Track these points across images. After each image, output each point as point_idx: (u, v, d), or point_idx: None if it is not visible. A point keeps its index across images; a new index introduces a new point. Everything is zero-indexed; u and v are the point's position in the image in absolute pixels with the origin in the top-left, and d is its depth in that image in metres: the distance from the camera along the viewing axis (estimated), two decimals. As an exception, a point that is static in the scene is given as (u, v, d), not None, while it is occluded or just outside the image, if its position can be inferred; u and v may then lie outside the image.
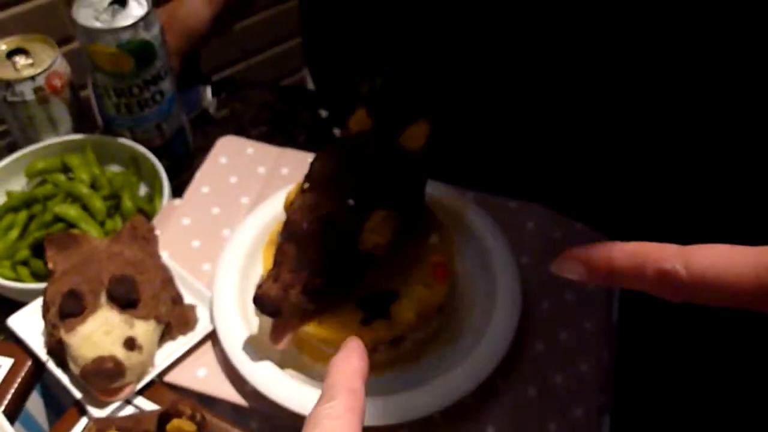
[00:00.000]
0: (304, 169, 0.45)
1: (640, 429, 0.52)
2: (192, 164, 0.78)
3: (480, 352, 0.44)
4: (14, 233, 0.65)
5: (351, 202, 0.42)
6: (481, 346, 0.44)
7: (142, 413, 0.36)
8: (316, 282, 0.41)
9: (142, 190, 0.70)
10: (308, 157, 0.59)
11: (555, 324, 0.50)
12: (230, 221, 0.54)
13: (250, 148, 0.60)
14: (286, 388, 0.43)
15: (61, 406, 0.48)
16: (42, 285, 0.58)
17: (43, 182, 0.70)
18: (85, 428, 0.35)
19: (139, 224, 0.46)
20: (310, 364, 0.46)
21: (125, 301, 0.42)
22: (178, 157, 0.75)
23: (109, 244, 0.45)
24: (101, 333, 0.41)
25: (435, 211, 0.49)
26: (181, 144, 0.75)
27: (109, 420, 0.35)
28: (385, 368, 0.46)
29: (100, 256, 0.44)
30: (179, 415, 0.35)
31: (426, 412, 0.42)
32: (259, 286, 0.41)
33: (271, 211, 0.52)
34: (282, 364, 0.45)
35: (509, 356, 0.45)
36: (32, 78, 0.66)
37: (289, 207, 0.44)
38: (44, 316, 0.44)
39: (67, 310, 0.41)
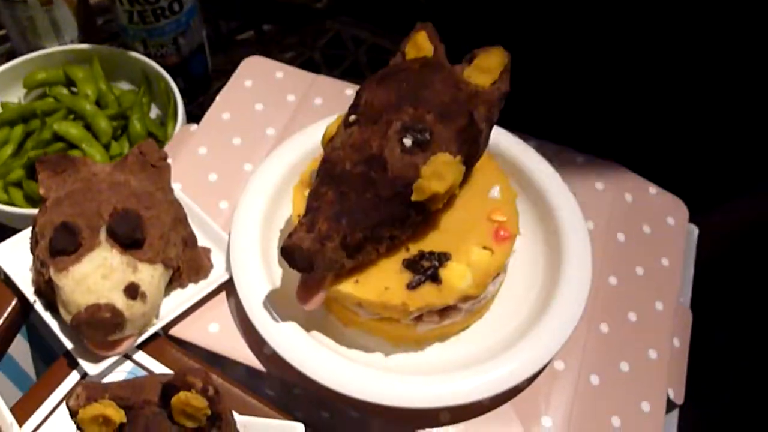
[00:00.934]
0: (342, 101, 0.38)
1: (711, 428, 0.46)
2: (210, 88, 0.70)
3: (540, 332, 0.37)
4: (8, 150, 0.59)
5: (407, 141, 0.34)
6: (542, 324, 0.38)
7: (142, 378, 0.30)
8: (358, 235, 0.34)
9: (153, 112, 0.63)
10: (347, 88, 0.51)
11: (622, 303, 0.43)
12: (253, 154, 0.47)
13: (279, 71, 0.52)
14: (310, 354, 0.36)
15: (50, 353, 0.42)
16: (30, 211, 0.51)
17: (42, 95, 0.63)
18: (71, 393, 0.28)
19: (148, 150, 0.39)
20: (340, 328, 0.40)
21: (129, 239, 0.35)
22: (196, 78, 0.68)
23: (112, 171, 0.38)
24: (98, 276, 0.34)
25: (495, 160, 0.41)
26: (200, 64, 0.68)
27: (101, 387, 0.29)
28: (428, 341, 0.39)
29: (101, 185, 0.37)
30: (188, 387, 0.28)
31: (473, 397, 0.36)
32: (290, 235, 0.34)
33: (303, 146, 0.44)
34: (307, 326, 0.38)
35: (571, 337, 0.39)
36: (34, -26, 0.58)
37: (328, 143, 0.37)
38: (32, 250, 0.38)
39: (59, 246, 0.35)
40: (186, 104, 0.59)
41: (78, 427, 0.29)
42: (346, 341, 0.39)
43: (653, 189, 0.48)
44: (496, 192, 0.39)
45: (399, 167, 0.34)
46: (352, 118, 0.36)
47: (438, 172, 0.34)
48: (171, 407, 0.29)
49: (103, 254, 0.35)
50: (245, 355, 0.38)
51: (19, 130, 0.59)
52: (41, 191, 0.37)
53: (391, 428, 0.38)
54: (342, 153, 0.35)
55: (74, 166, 0.38)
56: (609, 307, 0.42)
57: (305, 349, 0.37)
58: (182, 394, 0.28)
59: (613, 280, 0.43)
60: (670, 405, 0.41)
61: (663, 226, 0.47)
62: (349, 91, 0.51)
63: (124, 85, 0.65)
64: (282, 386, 0.39)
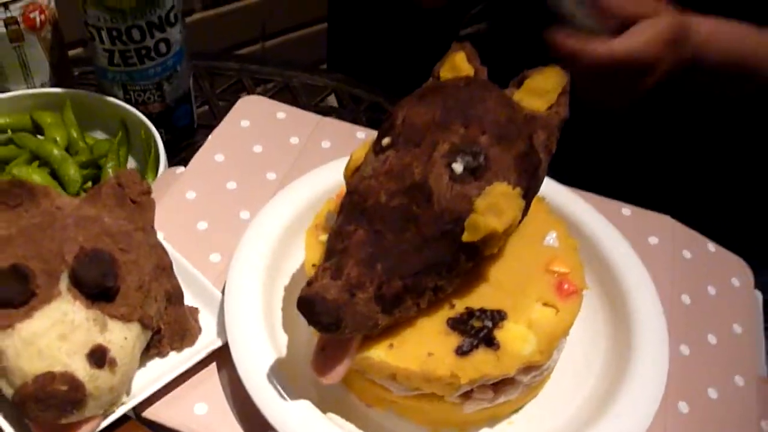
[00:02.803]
0: (354, 145, 0.31)
1: None
2: (194, 141, 0.64)
3: (615, 416, 0.30)
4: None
5: (457, 166, 0.28)
6: (616, 406, 0.30)
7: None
8: (397, 283, 0.27)
9: (131, 164, 0.56)
10: (358, 131, 0.45)
11: (699, 376, 0.35)
12: (251, 200, 0.40)
13: (280, 112, 0.46)
14: (329, 439, 0.28)
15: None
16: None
17: (7, 142, 0.55)
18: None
19: (128, 181, 0.31)
20: (363, 409, 0.31)
21: (97, 288, 0.27)
22: (180, 130, 0.61)
23: (80, 204, 0.30)
24: (54, 336, 0.26)
25: (547, 204, 0.35)
26: (185, 114, 0.61)
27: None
28: (475, 426, 0.31)
29: (66, 221, 0.29)
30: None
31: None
32: (310, 283, 0.27)
33: (313, 188, 0.38)
34: (322, 407, 0.30)
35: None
36: (4, 6, 0.52)
37: (354, 173, 0.30)
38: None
39: (5, 296, 0.26)
40: (168, 158, 0.52)
41: None
42: (372, 427, 0.30)
43: (712, 246, 0.42)
44: (552, 239, 0.33)
45: (447, 199, 0.27)
46: (386, 141, 0.29)
47: (496, 205, 0.27)
48: None
49: (62, 307, 0.27)
50: (246, 442, 0.30)
51: (-27, 178, 0.51)
52: (-13, 228, 0.29)
53: None
54: (374, 183, 0.28)
55: (32, 197, 0.30)
56: (685, 382, 0.35)
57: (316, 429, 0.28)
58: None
59: (684, 350, 0.36)
60: (767, 506, 0.33)
61: (728, 288, 0.40)
62: (361, 134, 0.45)
63: (99, 134, 0.58)
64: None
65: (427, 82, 0.33)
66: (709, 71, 0.48)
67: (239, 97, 0.52)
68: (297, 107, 0.48)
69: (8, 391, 0.27)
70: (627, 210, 0.43)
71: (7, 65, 0.55)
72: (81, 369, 0.26)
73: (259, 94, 0.71)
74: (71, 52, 0.64)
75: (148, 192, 0.32)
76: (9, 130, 0.55)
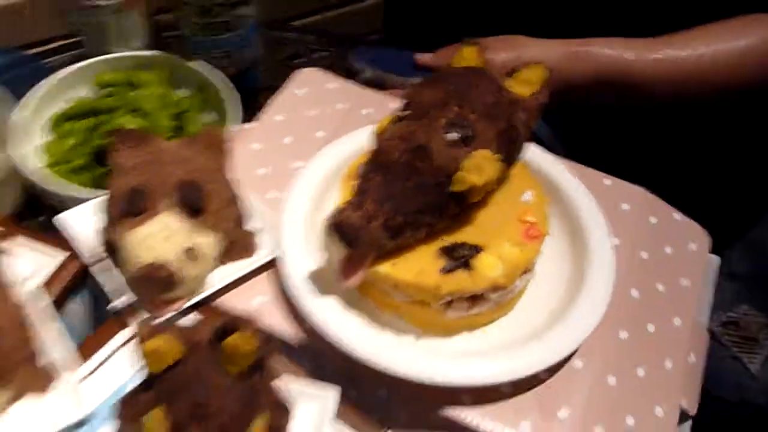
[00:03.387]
0: (385, 113, 0.41)
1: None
2: (257, 102, 0.75)
3: (563, 328, 0.40)
4: (71, 141, 0.63)
5: (452, 135, 0.38)
6: (565, 321, 0.40)
7: (197, 322, 0.33)
8: (399, 218, 0.37)
9: (208, 117, 0.67)
10: (393, 102, 0.55)
11: (642, 314, 0.45)
12: (303, 153, 0.50)
13: (331, 83, 0.56)
14: (346, 329, 0.39)
15: (102, 314, 0.45)
16: (96, 193, 0.55)
17: (109, 95, 0.67)
18: (138, 328, 0.31)
19: (215, 133, 0.43)
20: (375, 311, 0.42)
21: (192, 207, 0.39)
22: (247, 90, 0.72)
23: (179, 147, 0.42)
24: (160, 238, 0.38)
25: (529, 170, 0.44)
26: (252, 78, 0.72)
27: (164, 326, 0.32)
28: (457, 329, 0.42)
29: (169, 158, 0.41)
30: (239, 328, 0.31)
31: (495, 381, 0.38)
32: (340, 212, 0.37)
33: (351, 146, 0.48)
34: (344, 307, 0.41)
35: (591, 340, 0.41)
36: (110, -19, 0.64)
37: (380, 135, 0.40)
38: (106, 212, 0.41)
39: (128, 209, 0.38)
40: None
41: (141, 358, 0.32)
42: (380, 324, 0.41)
43: (677, 215, 0.51)
44: (528, 196, 0.42)
45: (442, 158, 0.38)
46: (402, 114, 0.40)
47: (478, 165, 0.37)
48: (221, 350, 0.32)
49: (166, 219, 0.38)
50: (285, 329, 0.41)
51: (84, 123, 0.64)
52: (117, 159, 0.41)
53: (415, 408, 0.40)
54: (391, 143, 0.39)
55: (146, 140, 0.42)
56: (629, 317, 0.44)
57: (342, 325, 0.39)
58: (234, 337, 0.31)
59: (634, 293, 0.46)
60: (684, 416, 0.43)
61: (685, 250, 0.49)
62: (393, 105, 0.55)
63: (183, 92, 0.69)
64: (316, 362, 0.41)
65: (442, 68, 0.43)
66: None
67: (297, 64, 0.63)
68: (343, 77, 0.58)
69: (125, 274, 0.38)
70: (608, 181, 0.52)
71: (111, 32, 0.67)
72: (176, 262, 0.38)
73: (314, 61, 0.81)
74: (161, 17, 0.75)
75: (227, 141, 0.43)
76: (113, 87, 0.68)
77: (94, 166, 0.60)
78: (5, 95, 0.62)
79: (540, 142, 0.68)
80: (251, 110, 0.72)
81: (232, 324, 0.32)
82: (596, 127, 0.65)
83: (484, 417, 0.39)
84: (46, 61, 0.76)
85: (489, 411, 0.39)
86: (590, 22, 0.59)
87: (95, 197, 0.48)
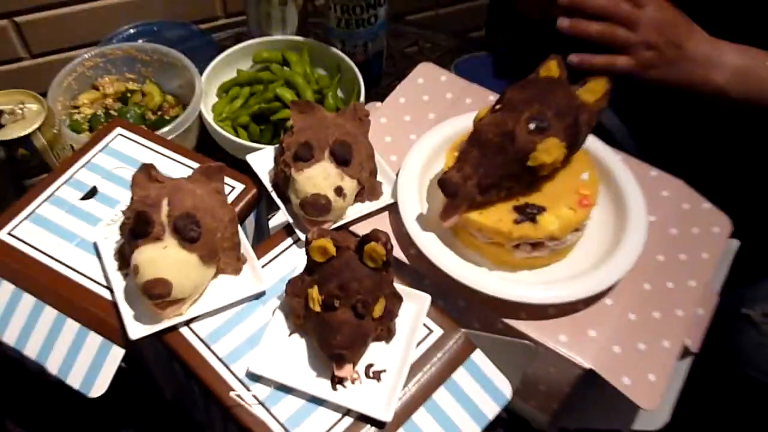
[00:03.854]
0: (486, 103, 0.57)
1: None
2: (379, 84, 0.92)
3: (599, 272, 0.54)
4: (238, 103, 0.82)
5: (532, 125, 0.53)
6: (601, 268, 0.55)
7: (347, 233, 0.50)
8: (488, 180, 0.53)
9: (340, 94, 0.85)
10: (490, 95, 0.71)
11: (664, 274, 0.59)
12: (417, 128, 0.67)
13: (443, 76, 0.72)
14: (442, 255, 0.55)
15: (261, 232, 0.63)
16: (255, 144, 0.73)
17: (264, 69, 0.86)
18: (311, 233, 0.48)
19: (359, 108, 0.59)
20: (461, 248, 0.58)
21: (342, 159, 0.55)
22: (372, 75, 0.89)
23: (335, 116, 0.59)
24: (321, 177, 0.55)
25: (589, 156, 0.59)
26: (377, 65, 0.89)
27: (326, 231, 0.49)
28: (521, 268, 0.57)
29: (328, 123, 0.57)
30: (376, 239, 0.48)
31: (545, 301, 0.53)
32: (445, 173, 0.53)
33: (454, 127, 0.64)
34: (441, 241, 0.57)
35: (621, 287, 0.56)
36: (281, -18, 0.81)
37: (478, 121, 0.56)
38: (277, 158, 0.59)
39: (300, 155, 0.55)
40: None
41: (307, 253, 0.49)
42: (464, 257, 0.57)
43: (707, 204, 0.64)
44: (585, 176, 0.57)
45: (523, 141, 0.53)
46: (498, 106, 0.55)
47: (548, 149, 0.52)
48: (362, 252, 0.48)
49: (325, 165, 0.56)
50: (398, 253, 0.58)
51: (246, 90, 0.82)
52: (291, 121, 0.58)
53: (484, 316, 0.56)
54: (487, 127, 0.54)
55: (312, 109, 0.59)
56: (654, 274, 0.58)
57: (439, 251, 0.55)
58: (372, 244, 0.48)
59: (660, 257, 0.60)
60: (687, 353, 0.57)
61: (708, 231, 0.62)
62: (492, 97, 0.70)
63: (321, 71, 0.87)
64: (416, 279, 0.58)
65: (530, 75, 0.58)
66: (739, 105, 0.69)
67: (411, 54, 0.78)
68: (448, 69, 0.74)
69: (296, 201, 0.56)
70: (654, 172, 0.65)
71: (274, 20, 0.85)
72: (331, 195, 0.55)
73: (428, 52, 0.97)
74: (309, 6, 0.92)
75: (368, 115, 0.60)
76: (268, 63, 0.86)
77: (253, 123, 0.79)
78: (191, 64, 0.81)
79: (613, 137, 0.84)
80: (374, 91, 0.89)
81: (372, 236, 0.48)
82: (665, 129, 0.79)
83: (534, 328, 0.54)
84: (215, 35, 0.96)
85: (538, 324, 0.54)
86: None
87: (257, 146, 0.65)
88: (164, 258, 0.49)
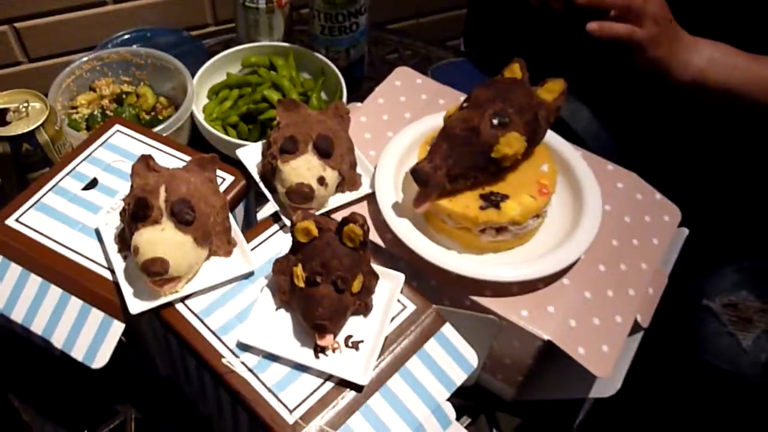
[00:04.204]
0: (456, 104, 0.62)
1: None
2: (361, 88, 0.97)
3: (558, 254, 0.60)
4: (227, 104, 0.87)
5: (495, 121, 0.59)
6: (559, 250, 0.60)
7: (328, 216, 0.55)
8: (456, 170, 0.59)
9: (324, 96, 0.90)
10: (461, 96, 0.76)
11: (618, 257, 0.65)
12: (394, 126, 0.72)
13: (418, 79, 0.78)
14: (415, 239, 0.60)
15: (249, 222, 0.68)
16: (244, 142, 0.79)
17: (252, 72, 0.91)
18: (296, 216, 0.54)
19: (340, 106, 0.65)
20: (432, 232, 0.64)
21: (324, 152, 0.61)
22: (354, 79, 0.94)
23: (317, 114, 0.64)
24: (304, 168, 0.60)
25: (549, 150, 0.65)
26: (359, 69, 0.95)
27: (309, 213, 0.54)
28: (487, 251, 0.63)
29: (311, 120, 0.63)
30: (354, 221, 0.53)
31: (507, 279, 0.58)
32: (418, 163, 0.59)
33: (428, 125, 0.69)
34: (414, 227, 0.62)
35: (578, 268, 0.61)
36: (269, -9, 0.87)
37: (448, 118, 0.62)
38: (265, 152, 0.64)
39: (286, 148, 0.61)
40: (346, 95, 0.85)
41: (292, 234, 0.54)
42: (436, 242, 0.63)
43: (658, 195, 0.70)
44: (545, 167, 0.63)
45: (487, 135, 0.59)
46: (464, 105, 0.61)
47: (510, 142, 0.58)
48: (342, 233, 0.54)
49: (308, 157, 0.61)
50: (374, 237, 0.63)
51: (236, 92, 0.87)
52: (278, 118, 0.63)
53: (453, 294, 0.61)
54: (455, 123, 0.60)
55: (297, 107, 0.64)
56: (608, 257, 0.64)
57: (413, 236, 0.61)
58: (350, 225, 0.53)
59: (615, 242, 0.65)
60: (637, 328, 0.63)
61: (660, 220, 0.68)
62: (460, 98, 0.76)
63: (306, 75, 0.92)
64: (392, 261, 0.63)
65: (496, 77, 0.64)
66: (709, 92, 0.76)
67: (392, 60, 0.84)
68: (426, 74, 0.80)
69: (282, 190, 0.61)
70: (610, 166, 0.71)
71: (261, 26, 0.91)
72: (314, 183, 0.60)
73: (407, 59, 1.03)
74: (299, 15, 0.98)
75: (348, 113, 0.65)
76: (256, 67, 0.91)
77: (242, 123, 0.84)
78: (183, 67, 0.86)
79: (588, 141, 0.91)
80: (355, 94, 0.95)
81: (350, 218, 0.54)
82: (641, 134, 0.87)
83: (499, 304, 0.60)
84: (204, 42, 1.01)
85: (501, 301, 0.60)
86: None
87: (243, 144, 0.71)
88: (162, 239, 0.54)
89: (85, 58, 0.84)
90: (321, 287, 0.53)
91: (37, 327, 0.58)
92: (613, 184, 0.69)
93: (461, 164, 0.59)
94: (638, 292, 0.63)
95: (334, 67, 0.87)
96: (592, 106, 0.99)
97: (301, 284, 0.54)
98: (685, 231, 0.71)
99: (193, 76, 0.85)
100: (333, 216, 0.64)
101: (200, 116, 0.83)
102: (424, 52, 1.04)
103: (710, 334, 0.89)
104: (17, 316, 0.58)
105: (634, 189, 0.70)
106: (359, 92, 0.95)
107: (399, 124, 0.72)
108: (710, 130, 0.94)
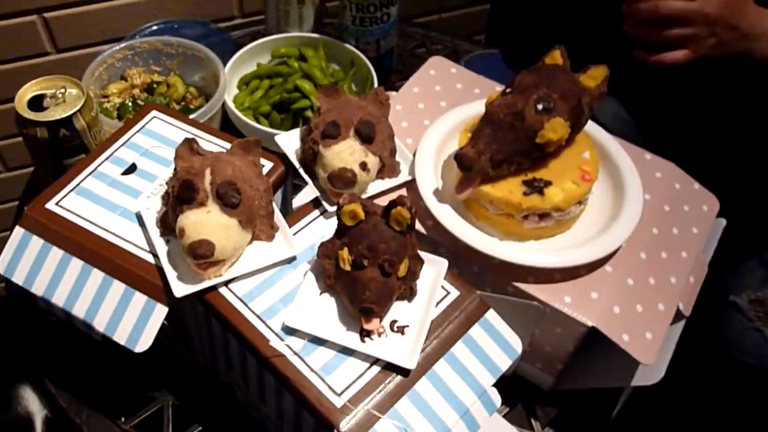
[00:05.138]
0: (491, 93, 0.62)
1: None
2: (389, 80, 0.97)
3: (600, 241, 0.60)
4: (259, 94, 0.87)
5: (539, 106, 0.58)
6: (601, 238, 0.60)
7: (375, 200, 0.55)
8: (499, 156, 0.59)
9: (354, 87, 0.90)
10: (496, 86, 0.76)
11: (659, 245, 0.64)
12: (430, 115, 0.72)
13: (453, 69, 0.78)
14: (457, 224, 0.60)
15: (286, 209, 0.68)
16: (278, 131, 0.78)
17: (282, 63, 0.91)
18: (342, 198, 0.53)
19: (380, 92, 0.65)
20: (473, 220, 0.63)
21: (367, 137, 0.61)
22: (383, 70, 0.94)
23: (358, 100, 0.64)
24: (347, 153, 0.60)
25: (590, 138, 0.65)
26: (389, 61, 0.94)
27: (357, 197, 0.54)
28: (528, 238, 0.62)
29: (352, 105, 0.63)
30: (402, 204, 0.53)
31: (551, 265, 0.58)
32: (461, 149, 0.59)
33: (464, 113, 0.69)
34: (455, 212, 0.62)
35: (620, 255, 0.61)
36: (300, -20, 0.86)
37: (490, 104, 0.61)
38: (304, 137, 0.64)
39: (328, 133, 0.61)
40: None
41: (338, 217, 0.54)
42: (477, 227, 0.62)
43: (697, 185, 0.70)
44: (587, 155, 0.63)
45: (531, 121, 0.58)
46: (508, 90, 0.61)
47: (554, 127, 0.58)
48: (389, 216, 0.54)
49: (350, 142, 0.61)
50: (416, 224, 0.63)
51: (266, 83, 0.87)
52: (318, 103, 0.63)
53: (496, 280, 0.61)
54: (499, 108, 0.60)
55: (337, 92, 0.64)
56: (649, 245, 0.64)
57: (454, 221, 0.61)
58: (398, 208, 0.53)
59: (655, 231, 0.65)
60: (679, 316, 0.62)
61: (699, 209, 0.68)
62: (498, 88, 0.76)
63: (335, 66, 0.92)
64: (433, 246, 0.63)
65: (538, 63, 0.64)
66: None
67: (420, 54, 0.84)
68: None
69: (323, 175, 0.61)
70: (648, 156, 0.71)
71: (292, 18, 0.91)
72: (356, 169, 0.60)
73: (435, 52, 1.03)
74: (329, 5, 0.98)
75: (388, 99, 0.65)
76: (286, 58, 0.91)
77: (274, 112, 0.84)
78: (215, 56, 0.86)
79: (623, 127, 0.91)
80: (385, 86, 0.95)
81: (398, 201, 0.53)
82: (670, 123, 0.87)
83: (542, 291, 0.59)
84: (232, 33, 1.01)
85: (544, 287, 0.60)
86: None
87: (277, 132, 0.71)
88: (208, 221, 0.54)
89: (117, 47, 0.84)
90: (367, 270, 0.53)
91: (79, 311, 0.57)
92: (651, 173, 0.69)
93: (505, 149, 0.59)
94: (679, 281, 0.63)
95: (365, 58, 0.87)
96: (620, 98, 0.99)
97: (347, 267, 0.53)
98: (723, 222, 0.70)
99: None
100: (376, 201, 0.64)
101: (232, 105, 0.83)
102: (451, 45, 1.03)
103: (737, 330, 0.89)
104: (59, 299, 0.58)
105: (672, 178, 0.69)
106: (388, 84, 0.95)
107: (435, 113, 0.72)
108: (738, 123, 0.94)
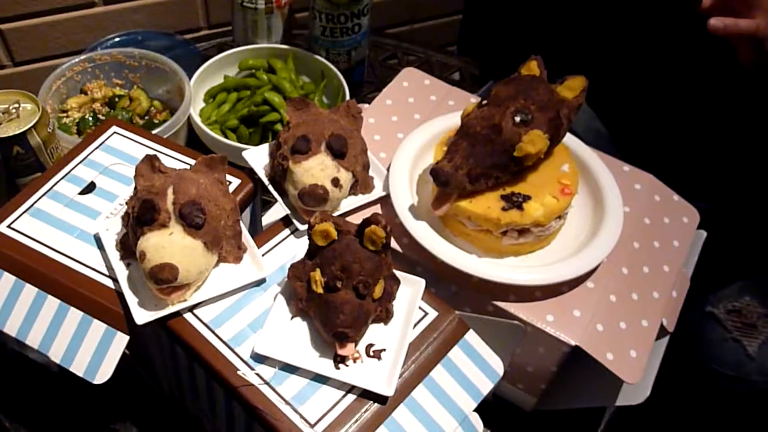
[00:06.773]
0: (466, 105, 0.60)
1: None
2: (362, 91, 0.95)
3: (581, 257, 0.58)
4: (226, 107, 0.84)
5: (517, 118, 0.56)
6: (582, 253, 0.58)
7: (347, 219, 0.52)
8: (477, 170, 0.56)
9: (325, 100, 0.87)
10: (471, 98, 0.74)
11: (640, 260, 0.63)
12: (404, 128, 0.70)
13: (427, 80, 0.75)
14: (434, 242, 0.58)
15: (255, 228, 0.65)
16: (246, 146, 0.76)
17: (249, 75, 0.88)
18: (314, 218, 0.51)
19: (352, 105, 0.62)
20: (451, 237, 0.61)
21: (339, 152, 0.58)
22: (355, 82, 0.92)
23: (329, 113, 0.61)
24: (318, 169, 0.57)
25: (569, 150, 0.63)
26: (360, 73, 0.92)
27: (328, 215, 0.51)
28: (507, 254, 0.60)
29: (323, 119, 0.60)
30: (377, 222, 0.50)
31: (531, 282, 0.56)
32: (437, 163, 0.56)
33: (440, 126, 0.67)
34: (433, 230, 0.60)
35: (601, 271, 0.59)
36: (267, -10, 0.84)
37: (466, 116, 0.59)
38: (273, 152, 0.61)
39: (298, 148, 0.58)
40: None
41: (309, 237, 0.51)
42: (454, 244, 0.60)
43: (676, 197, 0.68)
44: (566, 167, 0.61)
45: (509, 133, 0.56)
46: (484, 102, 0.59)
47: (532, 140, 0.56)
48: (363, 235, 0.51)
49: (322, 157, 0.58)
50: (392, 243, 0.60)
51: (234, 96, 0.84)
52: (287, 117, 0.60)
53: (475, 298, 0.58)
54: (475, 121, 0.58)
55: (307, 105, 0.61)
56: (631, 260, 0.62)
57: (431, 239, 0.58)
58: (372, 226, 0.50)
59: (636, 245, 0.63)
60: (663, 332, 0.61)
61: (679, 221, 0.67)
62: (473, 99, 0.74)
63: (305, 78, 0.90)
64: (410, 266, 0.60)
65: (513, 74, 0.62)
66: None
67: (391, 65, 0.82)
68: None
69: (293, 192, 0.58)
70: (626, 167, 0.69)
71: (260, 28, 0.88)
72: (328, 185, 0.57)
73: (407, 64, 1.01)
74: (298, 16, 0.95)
75: (361, 112, 0.62)
76: (254, 70, 0.88)
77: (242, 126, 0.81)
78: (180, 69, 0.83)
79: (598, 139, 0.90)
80: (357, 98, 0.92)
81: (372, 220, 0.51)
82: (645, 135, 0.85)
83: (522, 309, 0.57)
84: (198, 45, 0.98)
85: (525, 306, 0.57)
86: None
87: (245, 147, 0.68)
88: (170, 244, 0.51)
89: (75, 60, 0.80)
90: (341, 293, 0.50)
91: (33, 341, 0.54)
92: (630, 185, 0.68)
93: (482, 163, 0.56)
94: (662, 295, 0.61)
95: (336, 70, 0.85)
96: (593, 108, 0.98)
97: (320, 290, 0.51)
98: (704, 234, 0.69)
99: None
100: (350, 218, 0.61)
101: (198, 120, 0.79)
102: (424, 56, 1.02)
103: (715, 340, 0.88)
104: (11, 329, 0.54)
105: (651, 190, 0.68)
106: (360, 96, 0.93)
107: (409, 126, 0.70)
108: (713, 133, 0.93)
